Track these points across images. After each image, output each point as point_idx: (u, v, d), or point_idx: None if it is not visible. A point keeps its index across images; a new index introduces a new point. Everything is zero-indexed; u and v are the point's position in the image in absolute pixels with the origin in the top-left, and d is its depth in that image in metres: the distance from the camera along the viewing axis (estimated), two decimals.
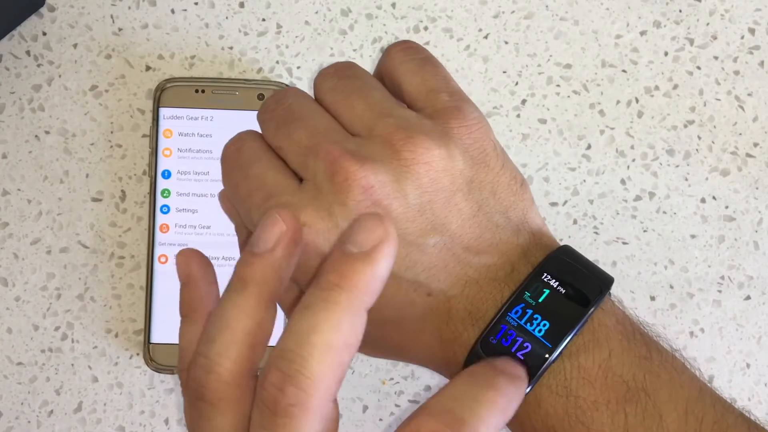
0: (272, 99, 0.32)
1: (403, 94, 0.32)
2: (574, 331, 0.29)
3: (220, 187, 0.50)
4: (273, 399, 0.24)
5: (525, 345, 0.29)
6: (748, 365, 0.52)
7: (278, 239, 0.26)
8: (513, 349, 0.28)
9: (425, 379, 0.51)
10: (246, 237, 0.33)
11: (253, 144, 0.32)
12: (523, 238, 0.31)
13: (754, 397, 0.51)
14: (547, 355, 0.28)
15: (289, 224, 0.27)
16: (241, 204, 0.31)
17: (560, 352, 0.29)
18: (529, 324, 0.29)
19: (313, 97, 0.33)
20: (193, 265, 0.29)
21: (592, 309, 0.29)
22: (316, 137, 0.30)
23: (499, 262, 0.30)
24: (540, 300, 0.29)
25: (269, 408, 0.24)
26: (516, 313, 0.29)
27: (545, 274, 0.29)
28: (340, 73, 0.32)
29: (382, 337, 0.31)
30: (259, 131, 0.33)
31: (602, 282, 0.30)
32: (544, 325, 0.29)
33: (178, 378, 0.29)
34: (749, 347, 0.52)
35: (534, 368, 0.28)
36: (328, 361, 0.24)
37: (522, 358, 0.28)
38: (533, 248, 0.30)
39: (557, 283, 0.29)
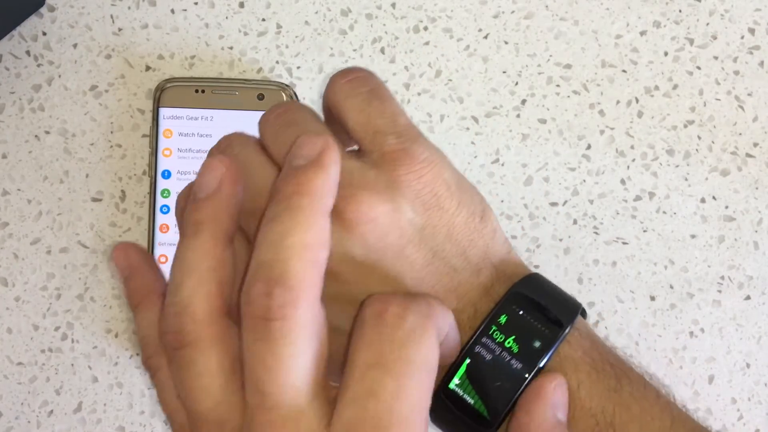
0: (216, 148, 0.31)
1: (349, 132, 0.31)
2: (539, 366, 0.28)
3: None
4: (262, 307, 0.24)
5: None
6: (748, 365, 0.52)
7: (221, 180, 0.27)
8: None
9: None
10: None
11: None
12: (485, 276, 0.30)
13: (754, 397, 0.51)
14: (509, 396, 0.28)
15: (228, 165, 0.27)
16: None
17: (521, 391, 0.28)
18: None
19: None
20: (133, 256, 0.30)
21: (557, 340, 0.29)
22: (257, 199, 0.28)
23: (461, 306, 0.29)
24: (502, 340, 0.28)
25: (260, 318, 0.24)
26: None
27: (502, 316, 0.29)
28: (279, 121, 0.30)
29: None
30: None
31: (567, 311, 0.30)
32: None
33: (144, 369, 0.29)
34: (749, 347, 0.52)
35: (500, 406, 0.28)
36: (308, 258, 0.24)
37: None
38: (496, 283, 0.30)
39: (519, 320, 0.29)
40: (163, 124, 0.50)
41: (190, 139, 0.50)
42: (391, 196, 0.28)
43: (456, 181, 0.30)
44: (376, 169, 0.29)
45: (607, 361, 0.29)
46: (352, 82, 0.31)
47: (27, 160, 0.52)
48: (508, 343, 0.29)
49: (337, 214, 0.27)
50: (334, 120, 0.31)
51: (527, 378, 0.28)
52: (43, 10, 0.52)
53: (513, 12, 0.53)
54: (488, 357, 0.29)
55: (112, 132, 0.52)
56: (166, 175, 0.50)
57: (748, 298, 0.52)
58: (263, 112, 0.31)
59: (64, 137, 0.52)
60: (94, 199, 0.51)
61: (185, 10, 0.53)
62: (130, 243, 0.30)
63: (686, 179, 0.53)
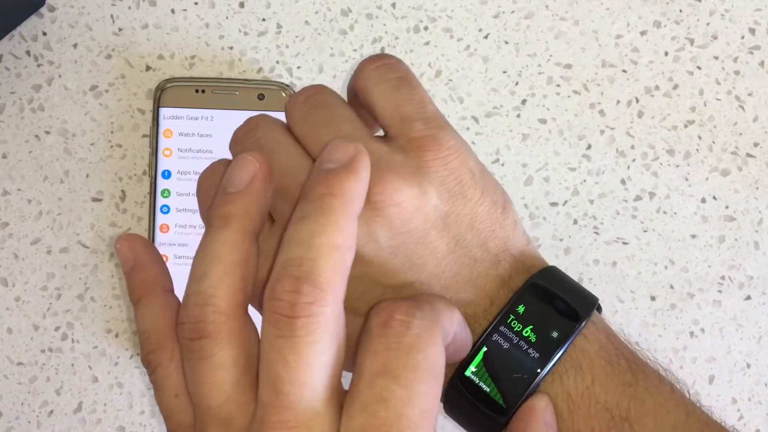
0: (242, 129, 0.31)
1: (376, 118, 0.31)
2: (552, 362, 0.28)
3: None
4: (289, 304, 0.24)
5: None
6: (748, 365, 0.52)
7: (253, 176, 0.27)
8: None
9: None
10: None
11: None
12: (503, 268, 0.30)
13: (755, 397, 0.51)
14: (524, 387, 0.28)
15: (261, 162, 0.27)
16: None
17: (537, 384, 0.28)
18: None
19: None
20: (138, 248, 0.30)
21: (573, 334, 0.29)
22: (284, 177, 0.29)
23: (477, 299, 0.29)
24: (518, 331, 0.29)
25: (286, 315, 0.24)
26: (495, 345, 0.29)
27: (520, 306, 0.29)
28: (309, 102, 0.31)
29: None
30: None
31: (584, 304, 0.30)
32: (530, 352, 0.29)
33: (143, 365, 0.29)
34: (749, 347, 0.52)
35: (516, 395, 0.28)
36: (336, 259, 0.24)
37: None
38: (515, 275, 0.30)
39: (535, 312, 0.29)
40: (163, 124, 0.50)
41: (190, 139, 0.50)
42: (418, 181, 0.29)
43: (480, 171, 0.30)
44: (403, 154, 0.29)
45: (622, 355, 0.30)
46: (381, 68, 0.31)
47: (27, 160, 0.52)
48: (526, 332, 0.29)
49: None
50: (359, 104, 0.32)
51: (545, 367, 0.28)
52: (43, 10, 0.52)
53: (513, 12, 0.53)
54: (506, 345, 0.29)
55: (112, 132, 0.52)
56: (166, 175, 0.50)
57: (748, 298, 0.52)
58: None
59: (64, 137, 0.52)
60: (95, 199, 0.51)
61: (185, 10, 0.53)
62: (135, 234, 0.30)
63: (687, 179, 0.53)
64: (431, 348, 0.24)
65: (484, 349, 0.29)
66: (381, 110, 0.30)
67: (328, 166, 0.26)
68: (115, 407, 0.50)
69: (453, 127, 0.30)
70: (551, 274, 0.30)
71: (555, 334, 0.29)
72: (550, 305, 0.29)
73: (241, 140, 0.31)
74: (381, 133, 0.31)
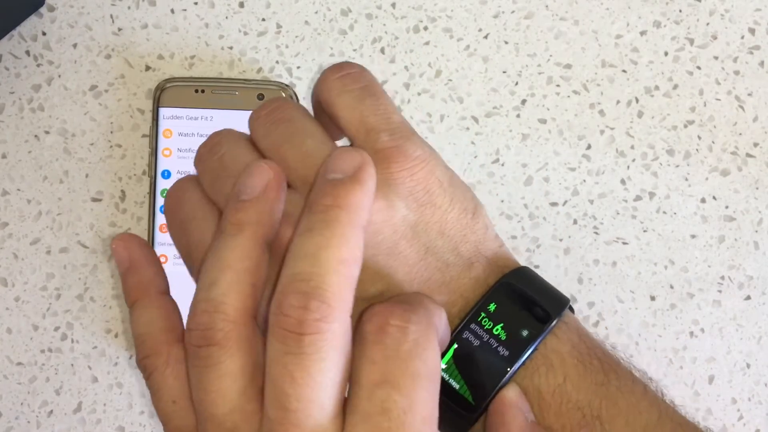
0: (205, 146, 0.31)
1: (341, 129, 0.31)
2: (522, 359, 0.29)
3: None
4: (297, 320, 0.24)
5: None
6: (748, 365, 0.52)
7: (267, 184, 0.27)
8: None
9: None
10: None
11: (192, 196, 0.30)
12: (476, 271, 0.30)
13: (754, 397, 0.51)
14: (493, 384, 0.29)
15: (275, 170, 0.27)
16: (183, 258, 0.30)
17: (503, 383, 0.29)
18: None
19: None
20: (134, 249, 0.29)
21: (543, 332, 0.29)
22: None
23: (451, 299, 0.30)
24: (490, 328, 0.29)
25: (293, 331, 0.24)
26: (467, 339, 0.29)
27: (491, 304, 0.29)
28: (271, 117, 0.30)
29: None
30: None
31: (556, 304, 0.30)
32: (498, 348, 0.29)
33: (139, 369, 0.29)
34: (749, 347, 0.52)
35: (486, 392, 0.29)
36: (344, 273, 0.24)
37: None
38: (488, 276, 0.30)
39: (506, 310, 0.29)
40: (163, 124, 0.50)
41: (190, 139, 0.50)
42: (384, 194, 0.29)
43: (448, 179, 0.30)
44: None
45: (594, 355, 0.30)
46: (345, 78, 0.30)
47: (27, 160, 0.51)
48: (497, 330, 0.29)
49: None
50: (323, 114, 0.31)
51: (514, 365, 0.29)
52: (43, 10, 0.52)
53: (513, 12, 0.53)
54: (476, 342, 0.29)
55: (112, 132, 0.52)
56: (166, 175, 0.50)
57: (748, 298, 0.52)
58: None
59: (64, 137, 0.52)
60: (94, 199, 0.51)
61: (185, 10, 0.53)
62: (132, 234, 0.30)
63: (686, 179, 0.53)
64: (429, 352, 0.24)
65: (455, 346, 0.29)
66: (345, 122, 0.30)
67: (334, 177, 0.26)
68: (114, 407, 0.50)
69: (419, 136, 0.30)
70: (523, 273, 0.30)
71: (525, 333, 0.29)
72: (521, 304, 0.29)
73: (204, 158, 0.31)
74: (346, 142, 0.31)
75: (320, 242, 0.24)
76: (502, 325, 0.29)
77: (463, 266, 0.30)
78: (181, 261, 0.52)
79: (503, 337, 0.29)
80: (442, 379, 0.29)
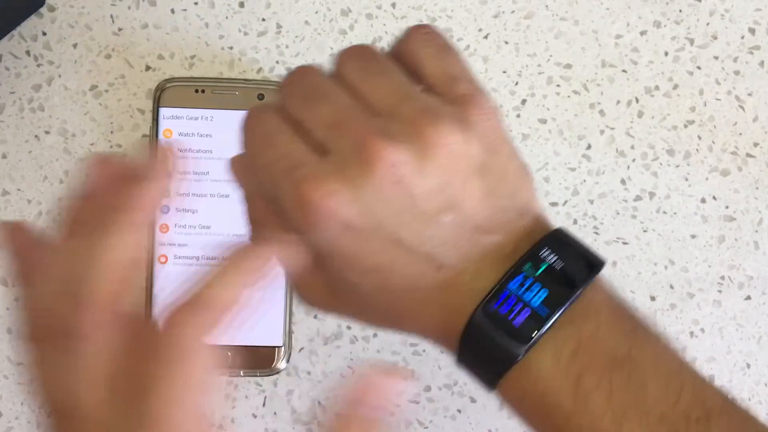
0: (296, 74, 0.34)
1: (422, 77, 0.33)
2: (570, 301, 0.31)
3: (221, 187, 0.50)
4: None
5: (523, 312, 0.31)
6: (748, 365, 0.52)
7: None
8: (510, 317, 0.31)
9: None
10: (256, 206, 0.35)
11: (276, 115, 0.33)
12: (526, 221, 0.33)
13: (755, 397, 0.51)
14: (542, 321, 0.31)
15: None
16: (264, 171, 0.33)
17: (555, 320, 0.31)
18: (527, 293, 0.31)
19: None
20: (18, 235, 0.34)
21: (586, 282, 0.32)
22: (342, 113, 0.32)
23: (505, 241, 0.33)
24: (538, 273, 0.32)
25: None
26: (516, 283, 0.32)
27: (544, 250, 0.32)
28: (363, 55, 0.33)
29: (387, 307, 0.33)
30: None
31: (595, 260, 0.33)
32: (542, 294, 0.31)
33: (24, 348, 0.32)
34: (749, 347, 0.52)
35: (528, 333, 0.31)
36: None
37: (518, 325, 0.31)
38: (535, 230, 0.33)
39: (555, 257, 0.32)
40: (163, 124, 0.50)
41: (190, 139, 0.50)
42: (465, 130, 0.32)
43: (509, 136, 0.34)
44: (452, 106, 0.32)
45: (624, 307, 0.33)
46: (428, 36, 0.34)
47: (27, 160, 0.52)
48: (542, 278, 0.32)
49: (418, 134, 0.31)
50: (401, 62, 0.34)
51: (557, 312, 0.31)
52: (43, 10, 0.52)
53: (513, 12, 0.53)
54: (522, 288, 0.32)
55: (112, 132, 0.52)
56: None
57: (748, 298, 0.52)
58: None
59: (64, 137, 0.52)
60: None
61: (185, 9, 0.53)
62: (12, 222, 0.34)
63: (686, 179, 0.53)
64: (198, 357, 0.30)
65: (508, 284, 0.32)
66: (428, 70, 0.33)
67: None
68: None
69: None
70: (566, 232, 0.34)
71: (569, 282, 0.32)
72: (565, 257, 0.32)
73: (295, 80, 0.34)
74: None
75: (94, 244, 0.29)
76: (546, 276, 0.32)
77: (516, 213, 0.33)
78: (181, 261, 0.52)
79: (548, 285, 0.32)
80: (497, 313, 0.32)
